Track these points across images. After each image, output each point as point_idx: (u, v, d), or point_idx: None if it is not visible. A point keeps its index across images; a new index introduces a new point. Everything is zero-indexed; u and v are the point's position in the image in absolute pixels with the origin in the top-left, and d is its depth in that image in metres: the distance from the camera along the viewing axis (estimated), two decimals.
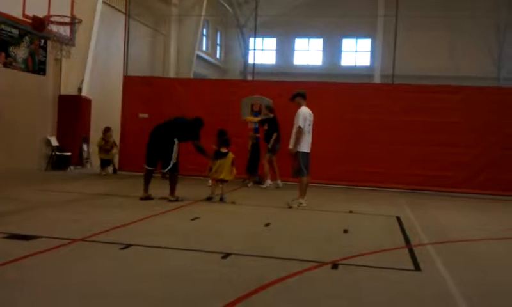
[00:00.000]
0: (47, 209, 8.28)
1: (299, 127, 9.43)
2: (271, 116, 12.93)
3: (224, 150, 10.06)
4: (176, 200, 9.51)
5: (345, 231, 7.40)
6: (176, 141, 9.59)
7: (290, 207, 9.51)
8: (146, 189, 9.70)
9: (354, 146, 14.17)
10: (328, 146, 13.46)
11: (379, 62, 28.67)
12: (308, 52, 35.05)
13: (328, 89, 14.59)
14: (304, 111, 9.57)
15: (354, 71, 31.87)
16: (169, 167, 9.56)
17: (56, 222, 7.14)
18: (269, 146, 12.76)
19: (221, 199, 10.01)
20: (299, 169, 9.58)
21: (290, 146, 9.54)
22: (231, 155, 10.05)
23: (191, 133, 9.84)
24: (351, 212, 9.43)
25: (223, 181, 10.09)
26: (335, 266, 5.33)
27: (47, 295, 4.06)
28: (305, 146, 9.54)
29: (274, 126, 12.85)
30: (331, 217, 8.97)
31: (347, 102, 14.30)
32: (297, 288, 4.59)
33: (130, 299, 4.04)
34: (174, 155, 9.56)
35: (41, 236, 5.97)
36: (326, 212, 9.54)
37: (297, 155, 9.53)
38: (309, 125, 9.59)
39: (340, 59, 34.69)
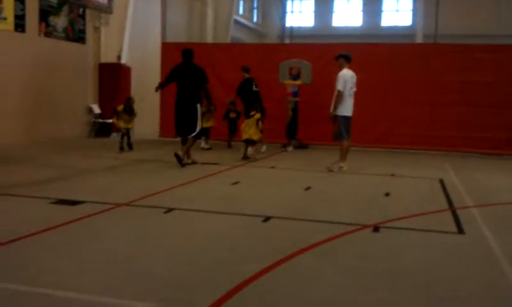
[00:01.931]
0: (91, 175, 8.48)
1: (339, 91, 9.30)
2: (246, 76, 12.72)
3: (252, 113, 10.83)
4: (194, 162, 9.76)
5: (387, 194, 7.33)
6: (198, 106, 9.70)
7: (331, 171, 9.47)
8: (188, 155, 9.82)
9: (395, 108, 13.92)
10: (368, 109, 13.24)
11: (421, 21, 27.85)
12: (347, 13, 34.35)
13: (368, 50, 14.27)
14: (345, 74, 9.40)
15: (394, 31, 31.13)
16: (195, 134, 9.67)
17: (100, 187, 7.32)
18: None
19: (245, 157, 10.69)
20: (339, 133, 9.48)
21: (331, 110, 9.44)
22: (256, 116, 10.72)
23: (201, 79, 9.81)
24: (392, 175, 9.32)
25: (249, 141, 10.78)
26: (376, 229, 5.30)
27: (92, 257, 4.18)
28: (346, 109, 9.42)
29: (243, 88, 12.58)
30: (372, 181, 8.89)
31: (388, 63, 13.98)
32: (337, 250, 4.59)
33: (172, 262, 4.12)
34: (199, 121, 9.72)
35: (87, 201, 6.13)
36: (367, 175, 9.45)
37: (337, 118, 9.43)
38: (350, 87, 9.43)
39: (380, 19, 33.90)
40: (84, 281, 3.65)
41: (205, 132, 12.80)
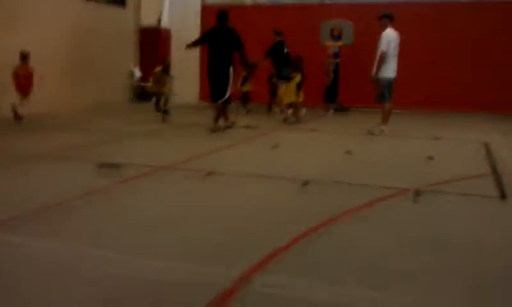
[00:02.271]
0: (134, 138, 8.63)
1: (383, 51, 9.09)
2: (277, 39, 12.32)
3: (292, 75, 11.00)
4: (231, 125, 9.72)
5: (430, 158, 7.20)
6: (230, 70, 9.39)
7: (372, 134, 9.35)
8: (225, 118, 9.78)
9: (439, 69, 13.54)
10: (411, 70, 12.90)
11: None
12: None
13: (412, 9, 13.85)
14: (389, 34, 9.17)
15: None
16: (225, 98, 9.39)
17: (142, 151, 7.44)
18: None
19: (285, 120, 10.95)
20: (382, 95, 9.32)
21: (373, 72, 9.26)
22: (296, 79, 10.89)
23: (234, 42, 9.40)
24: (436, 138, 9.13)
25: (292, 105, 11.04)
26: (418, 193, 5.23)
27: (135, 220, 4.27)
28: (389, 71, 9.22)
29: (274, 50, 12.10)
30: (415, 144, 8.74)
31: (432, 22, 13.57)
32: (378, 215, 4.56)
33: (211, 225, 4.17)
34: (230, 85, 9.44)
35: (129, 165, 6.26)
36: (410, 138, 9.30)
37: (379, 80, 9.26)
38: (394, 48, 9.21)
39: None
40: (126, 242, 3.75)
41: (244, 97, 12.82)
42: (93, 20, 14.00)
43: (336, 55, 13.32)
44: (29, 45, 11.51)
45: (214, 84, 9.47)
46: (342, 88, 13.61)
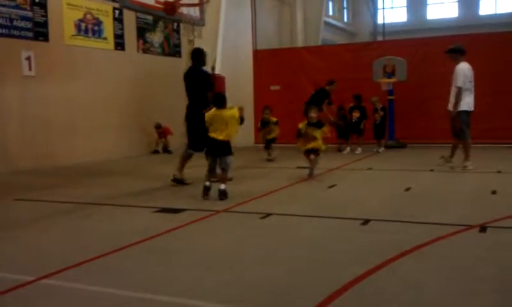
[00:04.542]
0: (191, 183, 8.71)
1: (459, 87, 8.78)
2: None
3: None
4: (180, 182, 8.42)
5: (494, 192, 6.93)
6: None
7: (453, 168, 9.04)
8: (180, 170, 8.67)
9: (501, 101, 13.16)
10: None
11: None
12: (442, 4, 33.08)
13: (466, 42, 13.57)
14: (464, 68, 8.88)
15: (494, 20, 29.54)
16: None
17: (199, 196, 7.48)
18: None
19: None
20: (461, 131, 8.97)
21: (450, 107, 8.97)
22: (324, 129, 9.89)
23: (205, 85, 8.41)
24: (499, 172, 8.80)
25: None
26: (483, 229, 5.02)
27: (192, 263, 4.28)
28: (467, 105, 8.92)
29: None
30: (477, 178, 8.45)
31: (489, 54, 13.27)
32: (441, 253, 4.39)
33: (270, 267, 4.13)
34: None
35: (188, 209, 6.32)
36: (472, 172, 8.99)
37: (458, 115, 8.94)
38: (470, 82, 8.92)
39: (478, 8, 32.30)
40: (186, 286, 3.75)
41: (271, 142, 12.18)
42: (151, 71, 14.49)
43: (390, 92, 13.21)
44: (90, 95, 12.06)
45: (189, 131, 8.57)
46: (398, 124, 13.43)
